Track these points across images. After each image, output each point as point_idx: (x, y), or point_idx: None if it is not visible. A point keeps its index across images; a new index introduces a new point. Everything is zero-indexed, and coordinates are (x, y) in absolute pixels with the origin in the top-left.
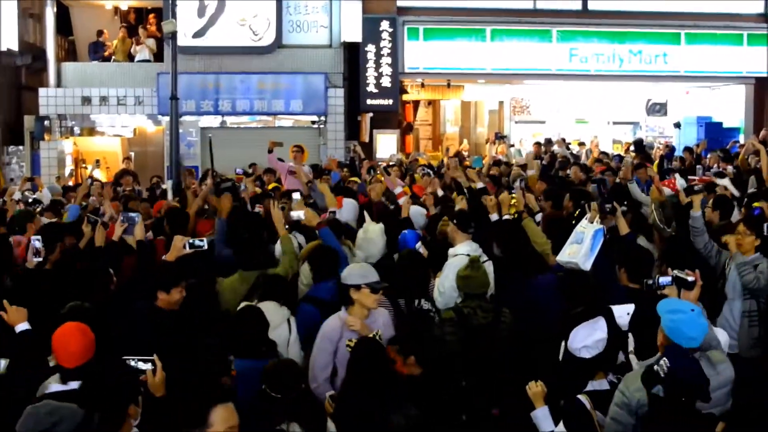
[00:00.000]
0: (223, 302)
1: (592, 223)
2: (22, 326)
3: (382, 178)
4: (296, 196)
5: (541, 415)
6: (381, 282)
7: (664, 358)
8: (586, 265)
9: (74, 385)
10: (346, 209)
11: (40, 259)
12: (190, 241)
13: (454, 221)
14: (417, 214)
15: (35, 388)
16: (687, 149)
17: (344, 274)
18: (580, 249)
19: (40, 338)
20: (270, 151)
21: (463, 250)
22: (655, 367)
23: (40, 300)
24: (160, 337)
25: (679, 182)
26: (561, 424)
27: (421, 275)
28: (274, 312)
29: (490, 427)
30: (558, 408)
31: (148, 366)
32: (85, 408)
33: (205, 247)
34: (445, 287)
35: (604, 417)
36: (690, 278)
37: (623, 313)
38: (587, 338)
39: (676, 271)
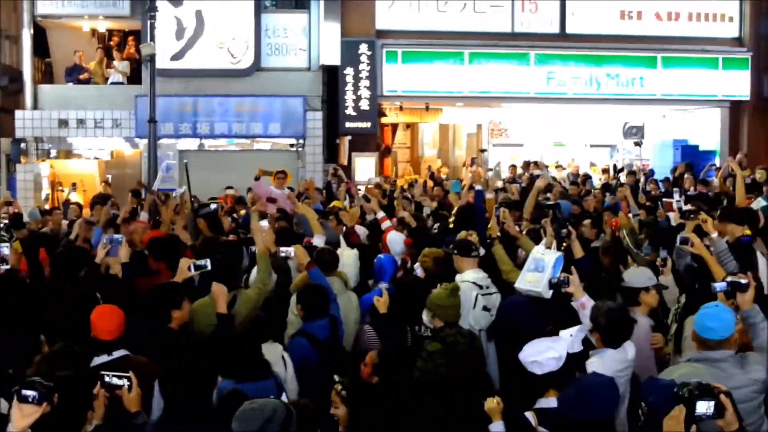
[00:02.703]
0: (196, 324)
1: (549, 248)
2: None
3: (363, 204)
4: (264, 223)
5: (496, 431)
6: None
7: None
8: (548, 294)
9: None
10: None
11: (8, 267)
12: (195, 263)
13: (455, 252)
14: (395, 241)
15: None
16: (653, 180)
17: (629, 278)
18: (542, 278)
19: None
20: (257, 179)
21: (469, 277)
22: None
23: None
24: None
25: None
26: None
27: (420, 301)
28: (267, 351)
29: None
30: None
31: (123, 382)
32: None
33: (209, 267)
34: None
35: None
36: (743, 281)
37: (566, 336)
38: (539, 354)
39: (729, 277)
